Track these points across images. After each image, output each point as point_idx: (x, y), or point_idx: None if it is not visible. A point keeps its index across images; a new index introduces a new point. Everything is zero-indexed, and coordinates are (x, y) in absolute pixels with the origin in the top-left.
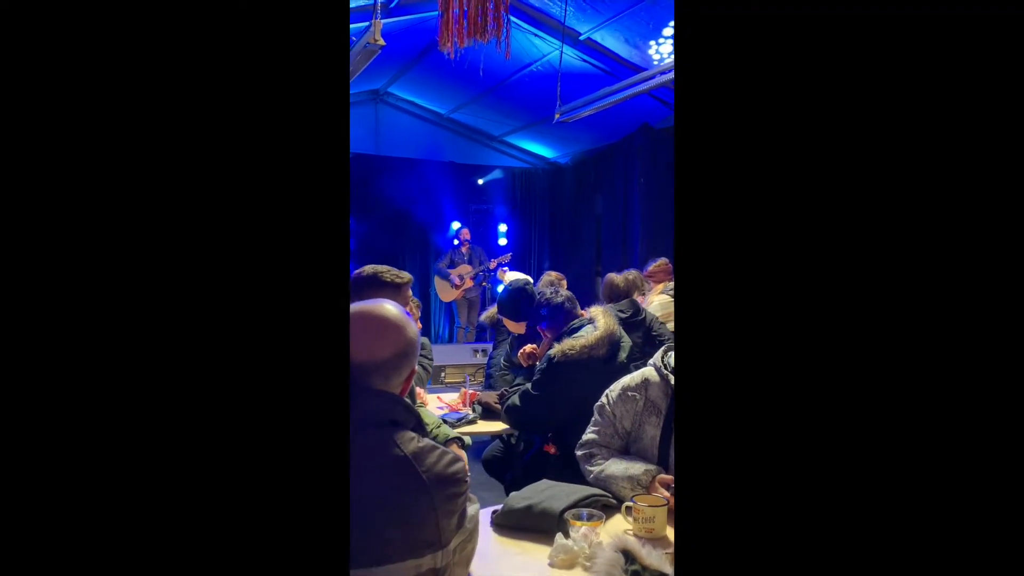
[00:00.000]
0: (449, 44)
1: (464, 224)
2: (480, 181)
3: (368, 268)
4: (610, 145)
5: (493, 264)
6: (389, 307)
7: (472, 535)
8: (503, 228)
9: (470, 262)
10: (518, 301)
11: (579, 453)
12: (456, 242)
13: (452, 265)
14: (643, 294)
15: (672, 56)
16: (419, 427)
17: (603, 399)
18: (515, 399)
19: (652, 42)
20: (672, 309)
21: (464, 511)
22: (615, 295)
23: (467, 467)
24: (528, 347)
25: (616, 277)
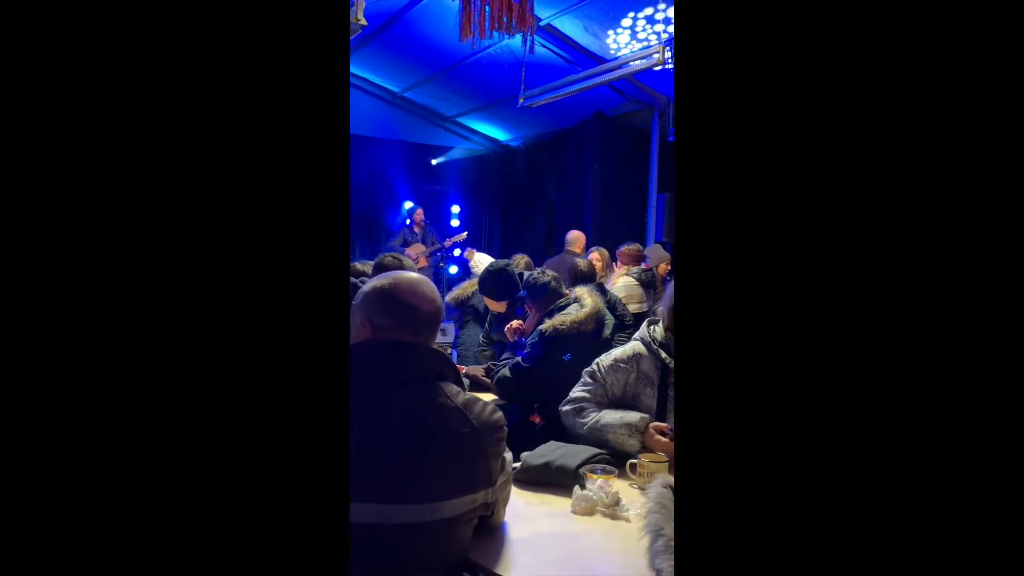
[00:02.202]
0: (470, 34)
1: (416, 204)
2: (434, 161)
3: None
4: (563, 131)
5: (448, 243)
6: (414, 273)
7: (509, 477)
8: (456, 209)
9: (423, 241)
10: (501, 281)
11: (567, 408)
12: (408, 222)
13: (405, 244)
14: (604, 277)
15: (630, 47)
16: (459, 381)
17: (593, 366)
18: (506, 371)
19: (611, 31)
20: (636, 292)
21: (504, 455)
22: (579, 278)
23: None
24: (515, 323)
25: (581, 262)
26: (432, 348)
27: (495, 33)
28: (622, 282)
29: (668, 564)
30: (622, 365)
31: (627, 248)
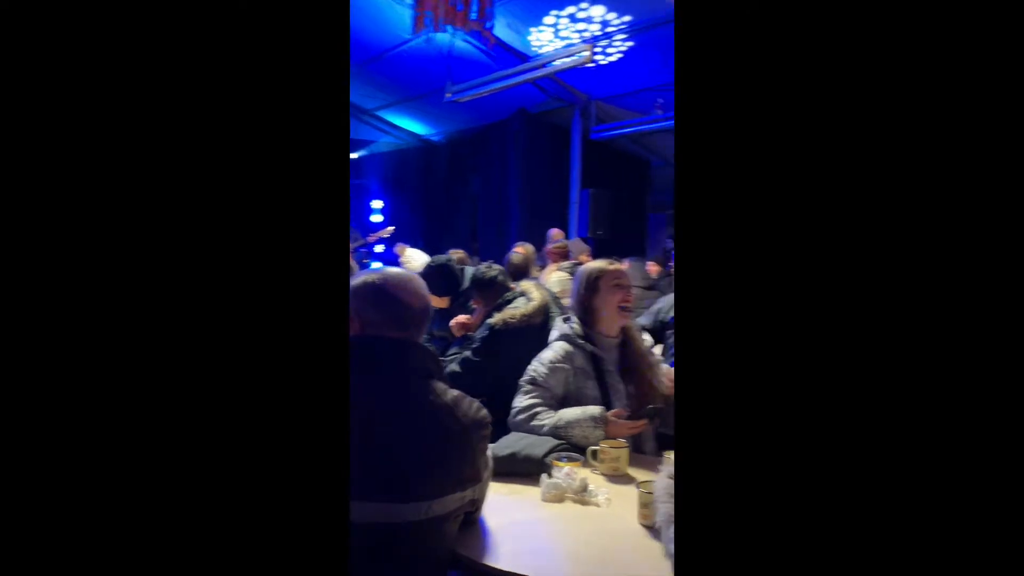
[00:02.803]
0: (423, 27)
1: None
2: (354, 155)
3: None
4: (486, 127)
5: (372, 238)
6: (399, 269)
7: (491, 473)
8: (377, 204)
9: None
10: (443, 277)
11: (520, 417)
12: None
13: None
14: (535, 273)
15: (553, 44)
16: (444, 378)
17: (531, 374)
18: (455, 366)
19: (533, 29)
20: (568, 287)
21: (488, 452)
22: (515, 273)
23: None
24: (461, 318)
25: (514, 256)
26: (421, 345)
27: (448, 28)
28: (555, 277)
29: None
30: (559, 365)
31: (554, 245)
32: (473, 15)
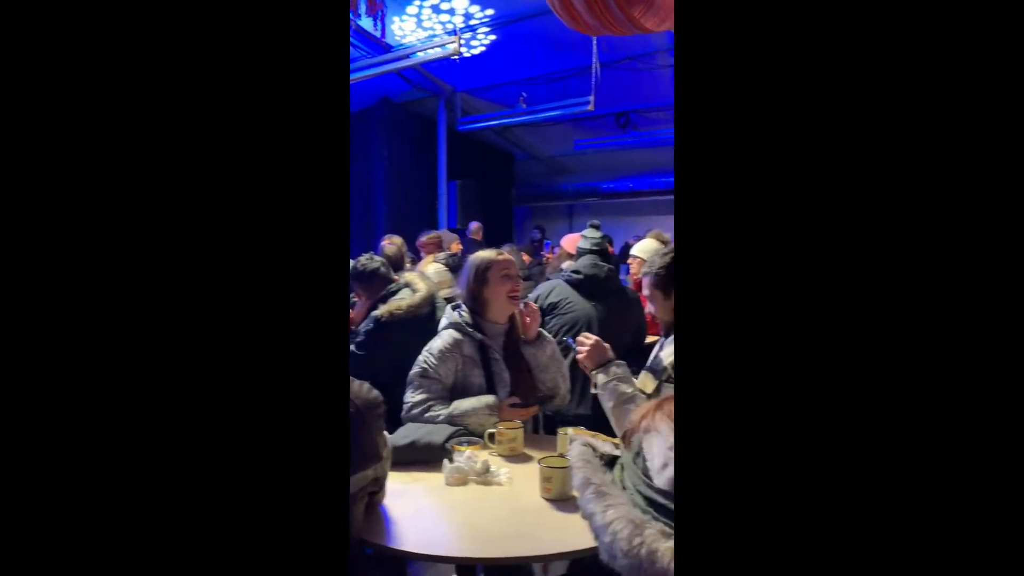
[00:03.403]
0: None
1: None
2: None
3: None
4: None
5: None
6: None
7: (390, 452)
8: None
9: None
10: None
11: (414, 412)
12: None
13: None
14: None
15: (415, 35)
16: None
17: (420, 367)
18: None
19: (396, 18)
20: (446, 277)
21: (384, 431)
22: (392, 265)
23: None
24: None
25: (387, 249)
26: None
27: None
28: (432, 268)
29: (599, 507)
30: (449, 354)
31: (428, 237)
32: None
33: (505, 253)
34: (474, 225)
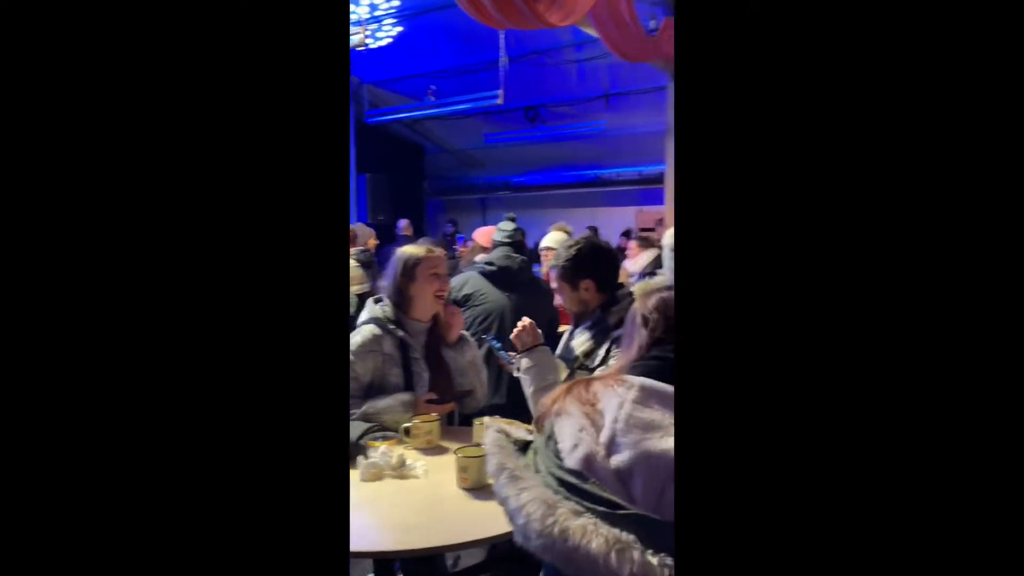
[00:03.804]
0: None
1: None
2: None
3: None
4: None
5: None
6: None
7: None
8: None
9: None
10: None
11: None
12: None
13: None
14: None
15: None
16: None
17: None
18: None
19: None
20: (357, 273)
21: None
22: None
23: None
24: None
25: None
26: None
27: None
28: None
29: (513, 491)
30: (368, 352)
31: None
32: None
33: (436, 251)
34: (403, 222)
